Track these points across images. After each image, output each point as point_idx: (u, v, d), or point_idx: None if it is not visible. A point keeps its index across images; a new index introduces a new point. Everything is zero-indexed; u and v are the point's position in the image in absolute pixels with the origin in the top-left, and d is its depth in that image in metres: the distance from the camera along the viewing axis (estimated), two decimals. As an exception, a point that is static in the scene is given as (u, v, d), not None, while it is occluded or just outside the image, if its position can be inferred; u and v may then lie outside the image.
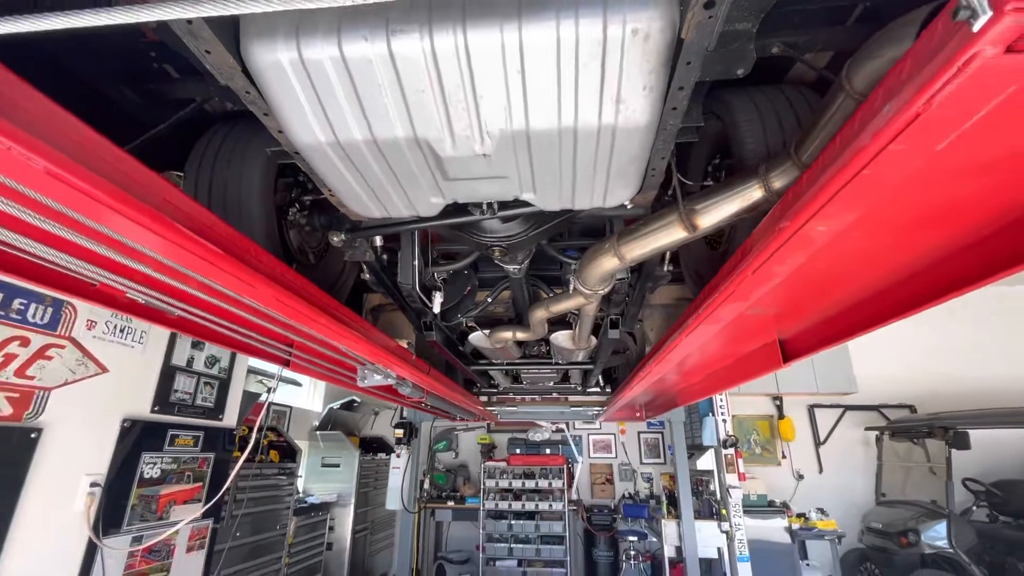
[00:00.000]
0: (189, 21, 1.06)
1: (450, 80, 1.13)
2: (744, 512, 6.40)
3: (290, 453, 5.50)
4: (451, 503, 7.60)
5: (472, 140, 1.27)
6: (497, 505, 7.06)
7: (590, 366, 4.11)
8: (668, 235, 1.58)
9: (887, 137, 0.82)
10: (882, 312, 1.75)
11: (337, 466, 7.26)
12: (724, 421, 6.74)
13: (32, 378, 2.30)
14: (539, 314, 2.55)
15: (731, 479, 6.54)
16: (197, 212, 1.31)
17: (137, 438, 2.86)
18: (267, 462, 5.10)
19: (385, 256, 2.54)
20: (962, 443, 6.16)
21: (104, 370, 2.68)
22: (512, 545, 6.93)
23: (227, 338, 2.23)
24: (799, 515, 6.88)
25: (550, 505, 6.97)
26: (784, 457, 8.12)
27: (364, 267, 2.53)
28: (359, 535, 7.23)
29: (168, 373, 3.13)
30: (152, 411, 3.00)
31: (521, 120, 1.21)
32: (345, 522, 7.03)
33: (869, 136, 0.85)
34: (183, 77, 1.83)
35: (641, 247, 1.67)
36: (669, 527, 6.64)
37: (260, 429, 4.77)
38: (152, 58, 1.77)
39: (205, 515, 3.29)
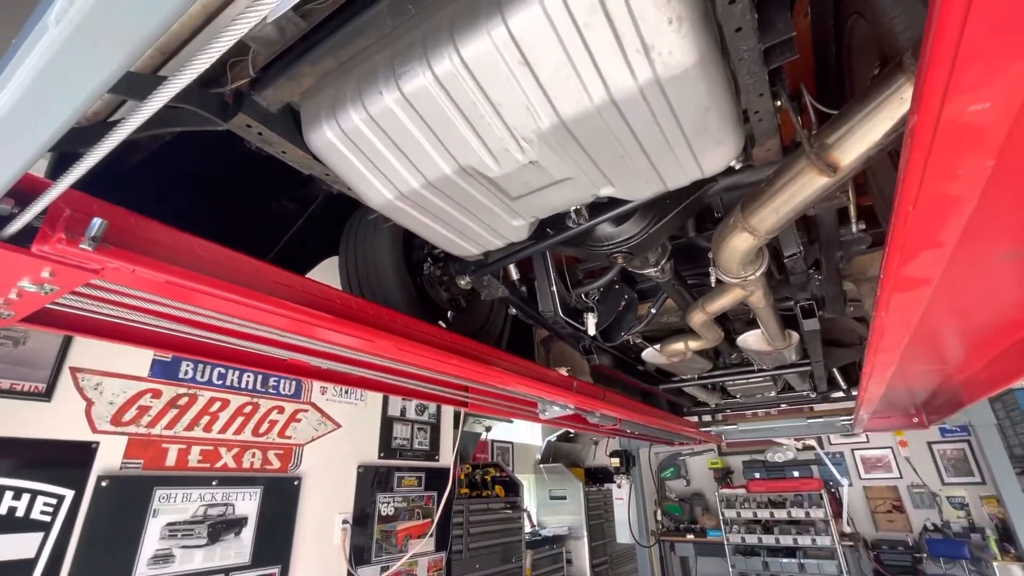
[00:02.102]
0: (260, 132, 1.27)
1: (464, 100, 1.09)
2: None
3: (513, 487, 5.83)
4: (690, 536, 6.95)
5: (511, 152, 1.20)
6: (744, 539, 6.17)
7: (806, 367, 3.36)
8: (803, 187, 1.21)
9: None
10: None
11: (564, 498, 7.39)
12: (1070, 418, 4.68)
13: (289, 437, 2.97)
14: (697, 317, 2.21)
15: (1108, 503, 4.44)
16: (342, 299, 1.52)
17: (371, 481, 3.40)
18: (493, 496, 5.48)
19: (524, 288, 2.56)
20: None
21: (338, 426, 3.30)
22: (773, 587, 5.92)
23: (408, 390, 2.51)
24: None
25: (813, 540, 5.78)
26: None
27: (509, 302, 2.59)
28: (599, 569, 7.13)
29: (387, 423, 3.68)
30: (379, 456, 3.55)
31: (550, 114, 1.09)
32: (582, 555, 7.03)
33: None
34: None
35: (774, 213, 1.31)
36: (1007, 572, 4.79)
37: (478, 466, 5.18)
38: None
39: (437, 547, 3.68)
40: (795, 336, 2.71)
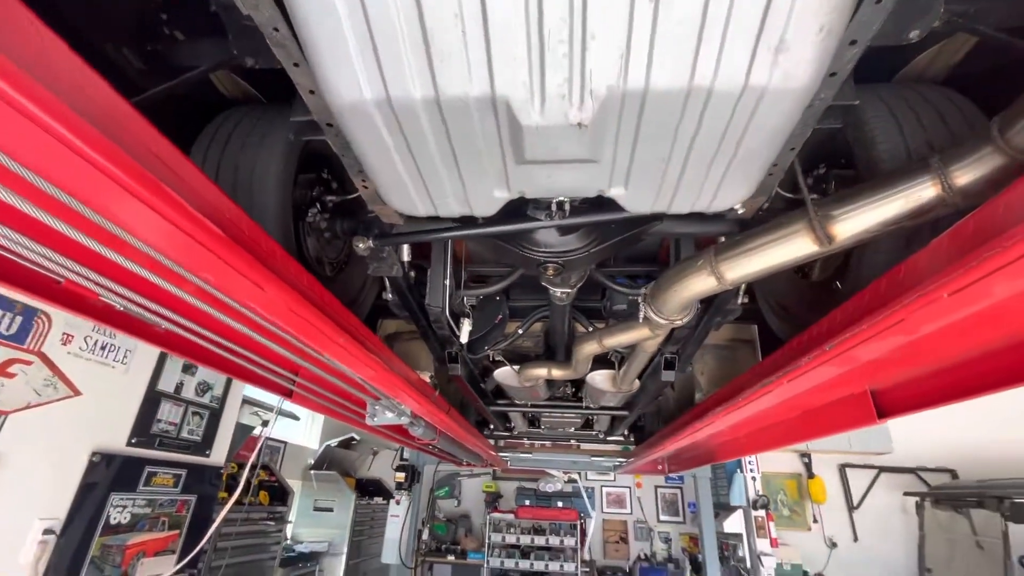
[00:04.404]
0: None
1: (554, 10, 0.82)
2: (778, 584, 5.76)
3: (281, 495, 5.00)
4: (451, 557, 6.95)
5: (567, 102, 0.96)
6: (503, 563, 6.43)
7: (624, 413, 3.69)
8: (791, 248, 1.24)
9: None
10: None
11: (331, 510, 6.69)
12: (754, 479, 6.19)
13: (-14, 398, 1.94)
14: (588, 349, 2.19)
15: (763, 545, 5.94)
16: (199, 183, 0.99)
17: (107, 476, 2.44)
18: (256, 504, 4.60)
19: (413, 274, 2.21)
20: (1021, 516, 5.58)
21: (76, 393, 2.31)
22: (517, 610, 6.26)
23: (224, 361, 1.86)
24: (838, 590, 6.20)
25: (561, 566, 6.34)
26: (815, 521, 7.46)
27: (388, 285, 2.19)
28: (349, 590, 6.57)
29: (152, 399, 2.74)
30: (129, 443, 2.60)
31: (640, 74, 0.90)
32: (335, 574, 6.39)
33: None
34: (191, 40, 1.56)
35: (748, 265, 1.32)
36: (694, 598, 5.96)
37: (254, 467, 4.32)
38: (163, 20, 1.50)
39: (180, 570, 2.82)
40: (636, 383, 2.93)
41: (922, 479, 7.50)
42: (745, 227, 1.56)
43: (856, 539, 7.35)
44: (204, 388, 3.12)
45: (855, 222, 1.16)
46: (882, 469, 7.58)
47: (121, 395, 2.57)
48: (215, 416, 3.21)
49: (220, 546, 3.91)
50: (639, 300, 1.74)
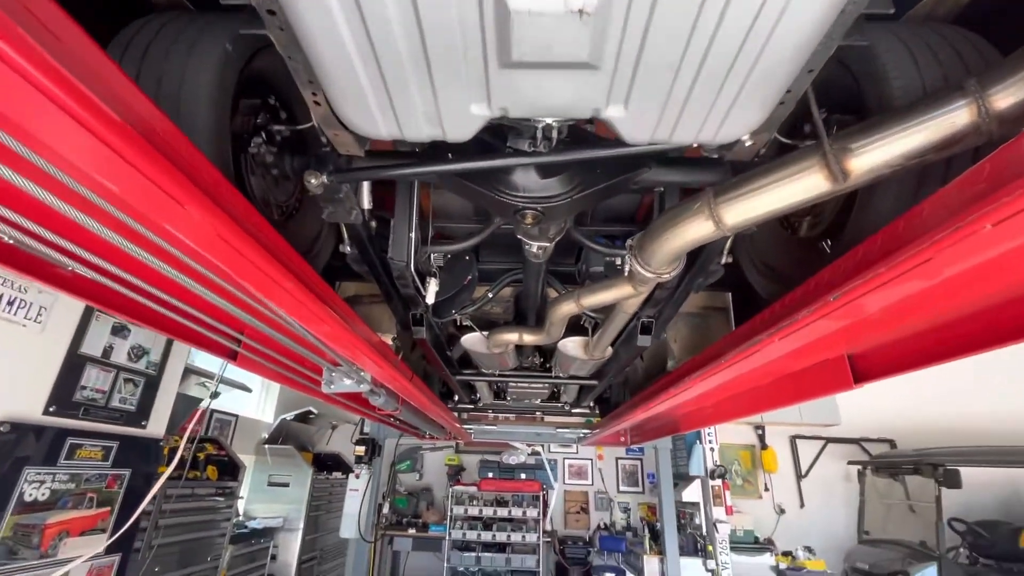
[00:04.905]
0: None
1: None
2: (730, 549, 5.97)
3: (231, 470, 4.73)
4: (412, 530, 6.87)
5: (567, -23, 0.78)
6: (465, 535, 6.40)
7: (593, 382, 3.62)
8: (801, 187, 1.12)
9: None
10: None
11: (286, 485, 6.44)
12: (712, 449, 6.35)
13: None
14: (564, 309, 2.05)
15: (718, 513, 6.13)
16: (110, 76, 0.76)
17: (19, 448, 2.15)
18: (203, 479, 4.33)
19: (374, 224, 2.00)
20: (953, 481, 5.95)
21: (-22, 354, 2.00)
22: (479, 581, 6.26)
23: (150, 313, 1.62)
24: (785, 553, 6.50)
25: (523, 537, 6.36)
26: (767, 490, 7.79)
27: (345, 234, 1.98)
28: (306, 565, 6.39)
29: (75, 364, 2.43)
30: (46, 412, 2.30)
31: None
32: (291, 550, 6.19)
33: None
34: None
35: (751, 207, 1.19)
36: (651, 564, 6.12)
37: (194, 440, 4.04)
38: None
39: (111, 549, 2.57)
40: (609, 351, 2.83)
41: (865, 449, 7.93)
42: (737, 170, 1.45)
43: (803, 506, 7.73)
44: (139, 352, 2.82)
45: (875, 155, 1.04)
46: (829, 440, 7.95)
47: (35, 358, 2.26)
48: (152, 384, 2.92)
49: (163, 523, 3.64)
50: (625, 251, 1.60)
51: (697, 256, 1.94)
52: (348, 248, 2.05)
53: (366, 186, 1.78)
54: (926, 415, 7.83)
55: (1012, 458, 5.99)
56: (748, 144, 1.20)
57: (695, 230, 1.30)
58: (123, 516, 2.70)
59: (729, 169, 1.55)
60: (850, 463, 7.67)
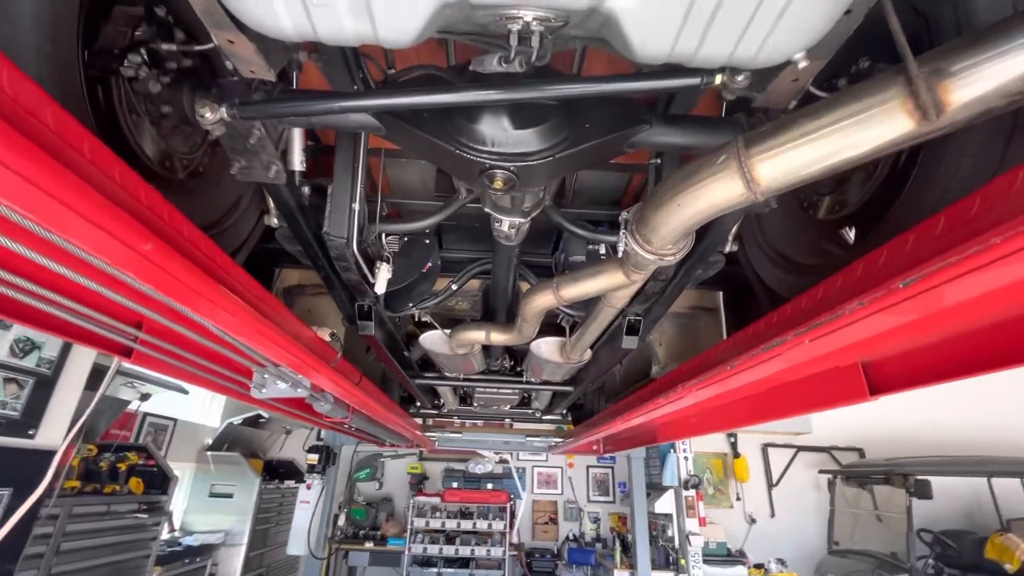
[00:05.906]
0: None
1: None
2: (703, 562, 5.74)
3: (160, 482, 4.20)
4: (369, 544, 6.40)
5: None
6: (425, 549, 5.98)
7: (568, 388, 3.29)
8: (873, 131, 0.81)
9: None
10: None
11: (230, 496, 5.89)
12: (687, 459, 6.12)
13: None
14: (540, 302, 1.71)
15: (691, 524, 5.89)
16: None
17: None
18: (123, 493, 3.80)
19: (307, 191, 1.61)
20: (923, 491, 5.90)
21: None
22: (439, 599, 5.85)
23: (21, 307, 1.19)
24: (757, 565, 6.33)
25: (488, 551, 5.99)
26: (738, 499, 7.64)
27: (270, 201, 1.59)
28: (250, 584, 5.86)
29: (-69, 360, 1.96)
30: None
31: None
32: (233, 567, 5.65)
33: None
34: None
35: (800, 159, 0.88)
36: (621, 578, 5.83)
37: (109, 447, 3.53)
38: None
39: (-23, 588, 2.08)
40: (588, 354, 2.51)
41: (835, 458, 7.88)
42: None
43: (773, 515, 7.61)
44: (26, 348, 2.34)
45: (981, 83, 0.74)
46: (800, 448, 7.87)
47: None
48: (45, 385, 2.44)
49: (67, 547, 3.12)
50: (611, 238, 1.28)
51: (702, 237, 1.62)
52: (275, 221, 1.66)
53: (296, 139, 1.40)
54: (893, 424, 7.83)
55: (981, 468, 5.98)
56: (802, 67, 0.89)
57: (717, 192, 0.98)
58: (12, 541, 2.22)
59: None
60: (821, 472, 7.59)
